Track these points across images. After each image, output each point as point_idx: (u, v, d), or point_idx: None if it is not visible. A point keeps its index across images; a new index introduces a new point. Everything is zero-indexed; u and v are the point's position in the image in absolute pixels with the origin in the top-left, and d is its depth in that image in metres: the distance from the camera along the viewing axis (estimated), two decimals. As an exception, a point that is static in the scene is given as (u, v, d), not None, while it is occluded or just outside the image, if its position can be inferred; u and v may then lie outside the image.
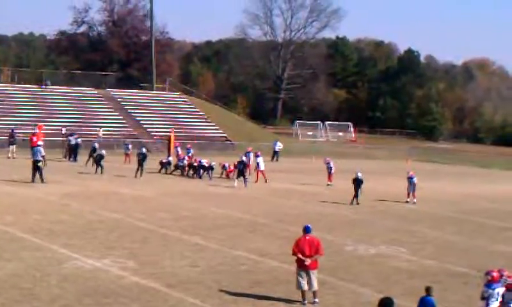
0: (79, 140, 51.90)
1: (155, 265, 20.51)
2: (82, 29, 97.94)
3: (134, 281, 18.67)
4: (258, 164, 43.66)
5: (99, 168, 42.70)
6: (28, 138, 49.09)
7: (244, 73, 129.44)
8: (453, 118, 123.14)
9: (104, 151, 44.37)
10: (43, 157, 37.31)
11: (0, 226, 24.84)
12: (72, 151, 50.85)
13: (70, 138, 51.85)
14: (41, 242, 22.64)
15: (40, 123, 52.22)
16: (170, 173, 45.09)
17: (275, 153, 60.67)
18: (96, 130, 61.07)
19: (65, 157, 51.15)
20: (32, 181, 36.41)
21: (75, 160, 50.02)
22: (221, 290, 18.20)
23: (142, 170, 42.17)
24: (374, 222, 30.48)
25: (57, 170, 42.01)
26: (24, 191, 33.71)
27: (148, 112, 71.94)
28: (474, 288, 18.70)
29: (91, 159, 45.28)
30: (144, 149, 44.51)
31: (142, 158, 42.31)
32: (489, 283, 14.77)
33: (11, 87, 71.10)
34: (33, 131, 44.61)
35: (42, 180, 36.44)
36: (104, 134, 61.15)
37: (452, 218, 33.19)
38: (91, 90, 73.89)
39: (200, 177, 43.37)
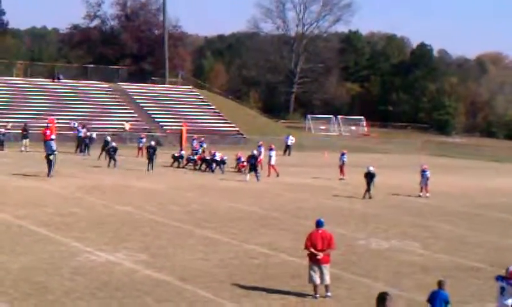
0: (88, 133, 51.96)
1: (168, 258, 20.56)
2: (95, 23, 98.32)
3: (146, 274, 18.72)
4: (270, 157, 43.59)
5: (112, 161, 42.78)
6: (41, 132, 49.45)
7: (256, 67, 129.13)
8: (466, 112, 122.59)
9: (114, 144, 44.45)
10: (53, 151, 37.43)
11: (14, 220, 24.97)
12: (82, 144, 50.87)
13: (80, 130, 52.00)
14: (54, 236, 22.73)
15: (51, 117, 52.40)
16: (183, 167, 45.14)
17: (287, 147, 60.63)
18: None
19: (80, 151, 51.23)
20: (48, 176, 36.56)
21: (84, 152, 49.99)
22: (233, 284, 18.21)
23: (153, 164, 42.20)
24: (387, 216, 30.40)
25: (69, 164, 42.18)
26: (36, 185, 33.86)
27: (160, 106, 72.09)
28: (487, 282, 18.65)
29: (104, 152, 45.42)
30: (153, 143, 44.51)
31: (152, 152, 42.37)
32: (498, 276, 14.85)
33: (24, 81, 71.42)
34: (46, 125, 44.80)
35: (48, 174, 36.52)
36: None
37: (465, 212, 33.07)
38: (103, 84, 74.12)
39: (213, 171, 43.39)
